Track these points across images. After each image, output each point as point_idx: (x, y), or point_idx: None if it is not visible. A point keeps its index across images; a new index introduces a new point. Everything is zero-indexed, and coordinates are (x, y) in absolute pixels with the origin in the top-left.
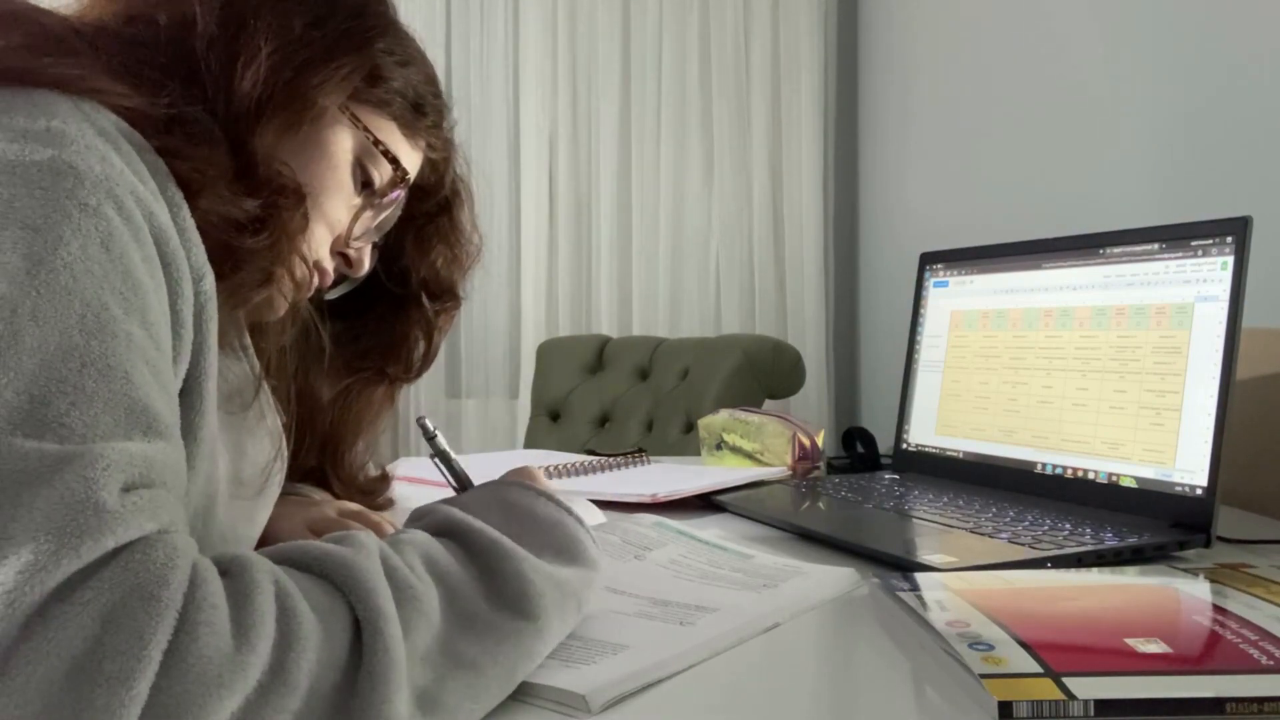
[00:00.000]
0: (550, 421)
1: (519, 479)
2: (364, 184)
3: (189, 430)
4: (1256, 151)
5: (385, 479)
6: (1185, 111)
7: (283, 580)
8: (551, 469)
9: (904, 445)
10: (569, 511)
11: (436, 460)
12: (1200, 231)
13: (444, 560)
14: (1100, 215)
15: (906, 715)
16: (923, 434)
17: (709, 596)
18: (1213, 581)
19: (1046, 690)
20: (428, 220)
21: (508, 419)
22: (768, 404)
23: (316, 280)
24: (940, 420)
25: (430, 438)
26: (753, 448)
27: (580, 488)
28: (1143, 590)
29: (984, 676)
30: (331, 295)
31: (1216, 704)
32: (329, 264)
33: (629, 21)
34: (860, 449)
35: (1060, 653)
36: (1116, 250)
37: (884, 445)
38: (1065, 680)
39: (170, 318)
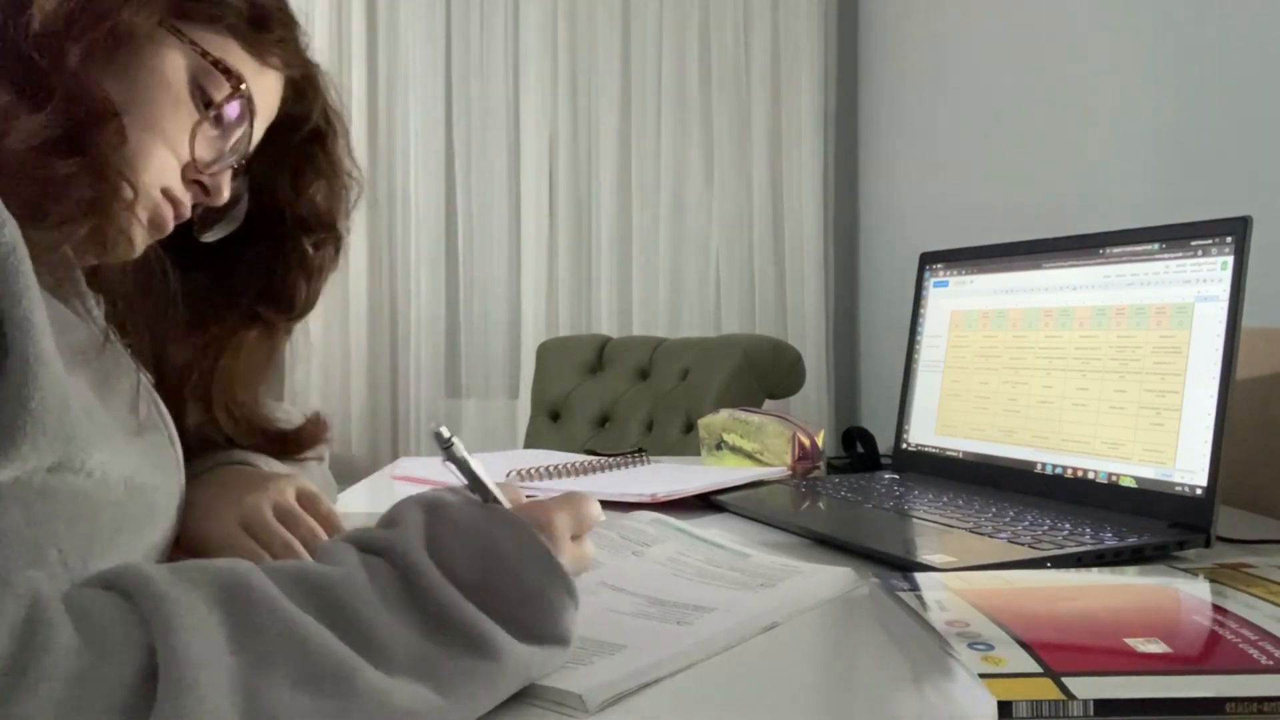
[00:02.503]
0: (550, 421)
1: (536, 520)
2: (206, 105)
3: (13, 392)
4: (1256, 151)
5: (317, 427)
6: (1185, 111)
7: (50, 612)
8: (551, 469)
9: (904, 445)
10: (561, 580)
11: (453, 467)
12: (1200, 231)
13: (360, 597)
14: (1100, 215)
15: (906, 715)
16: (923, 434)
17: (707, 596)
18: (1212, 581)
19: (1046, 690)
20: (299, 151)
21: (508, 419)
22: (768, 404)
23: (170, 211)
24: (940, 420)
25: (446, 446)
26: (753, 448)
27: (580, 488)
28: (1143, 590)
29: (983, 676)
30: (209, 237)
31: (1216, 704)
32: (182, 193)
33: (629, 22)
34: (860, 449)
35: (1060, 652)
36: (1116, 250)
37: (884, 445)
38: (1065, 680)
39: None
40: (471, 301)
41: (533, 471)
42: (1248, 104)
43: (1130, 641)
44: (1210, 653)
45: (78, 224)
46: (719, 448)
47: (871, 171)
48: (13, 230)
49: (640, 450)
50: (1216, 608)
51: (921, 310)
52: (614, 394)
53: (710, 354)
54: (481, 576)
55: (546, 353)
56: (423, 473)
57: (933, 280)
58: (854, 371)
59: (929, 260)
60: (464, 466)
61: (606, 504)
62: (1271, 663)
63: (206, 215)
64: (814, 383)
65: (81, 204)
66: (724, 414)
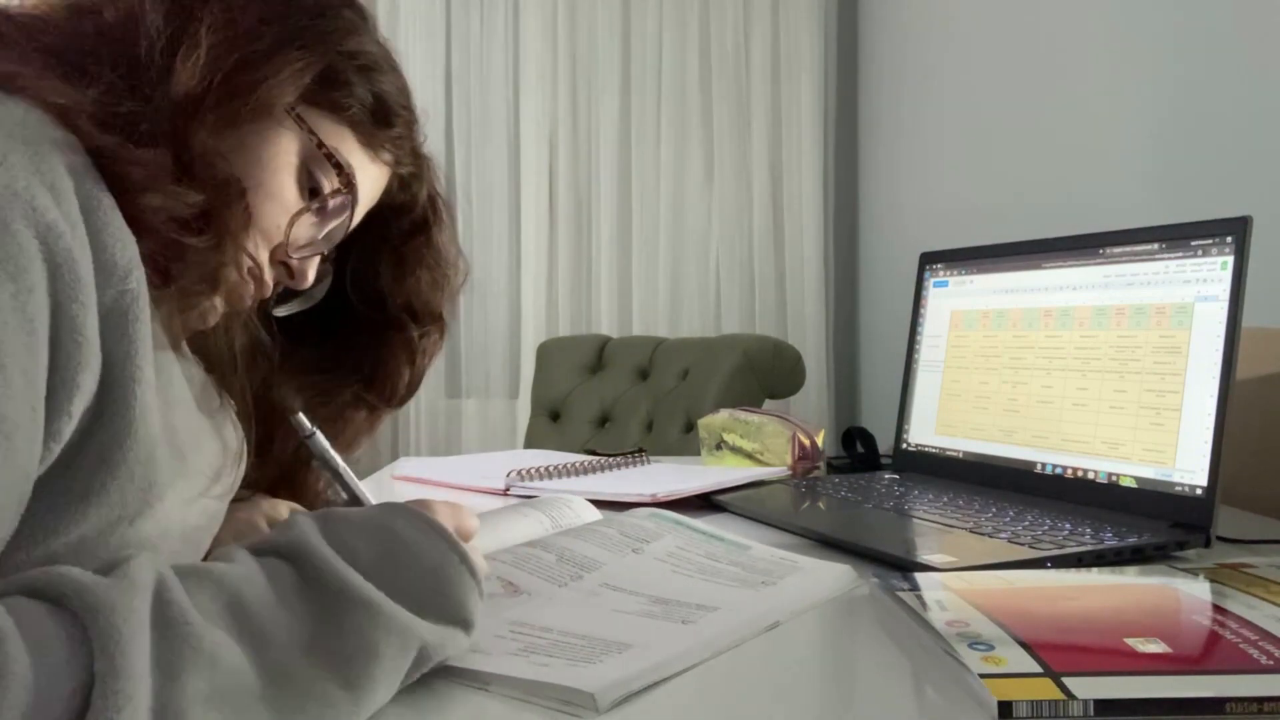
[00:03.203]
0: (550, 421)
1: (417, 508)
2: (312, 191)
3: (112, 438)
4: (1256, 151)
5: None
6: (1185, 111)
7: (7, 642)
8: (551, 469)
9: (904, 445)
10: (462, 558)
11: (317, 464)
12: (1200, 231)
13: (261, 599)
14: (1100, 215)
15: (906, 715)
16: (923, 434)
17: (709, 594)
18: (1213, 581)
19: (1046, 690)
20: (403, 241)
21: (508, 419)
22: (768, 404)
23: (252, 289)
24: (940, 420)
25: (307, 436)
26: (753, 448)
27: (580, 488)
28: (1143, 590)
29: (984, 676)
30: (281, 312)
31: (1216, 704)
32: (267, 273)
33: (629, 21)
34: (860, 449)
35: (1060, 652)
36: (1116, 250)
37: (884, 445)
38: (1065, 680)
39: (49, 322)
40: (471, 301)
41: (533, 471)
42: (1247, 104)
43: (1130, 641)
44: (1210, 653)
45: (201, 297)
46: (719, 448)
47: (871, 171)
48: (139, 279)
49: (640, 450)
50: (1216, 608)
51: (921, 310)
52: (614, 394)
53: (710, 354)
54: (381, 558)
55: (546, 353)
56: (423, 473)
57: (933, 280)
58: (854, 371)
59: (929, 260)
60: (324, 458)
61: (606, 504)
62: (1271, 663)
63: (285, 291)
64: (814, 383)
65: (207, 274)
66: (724, 414)
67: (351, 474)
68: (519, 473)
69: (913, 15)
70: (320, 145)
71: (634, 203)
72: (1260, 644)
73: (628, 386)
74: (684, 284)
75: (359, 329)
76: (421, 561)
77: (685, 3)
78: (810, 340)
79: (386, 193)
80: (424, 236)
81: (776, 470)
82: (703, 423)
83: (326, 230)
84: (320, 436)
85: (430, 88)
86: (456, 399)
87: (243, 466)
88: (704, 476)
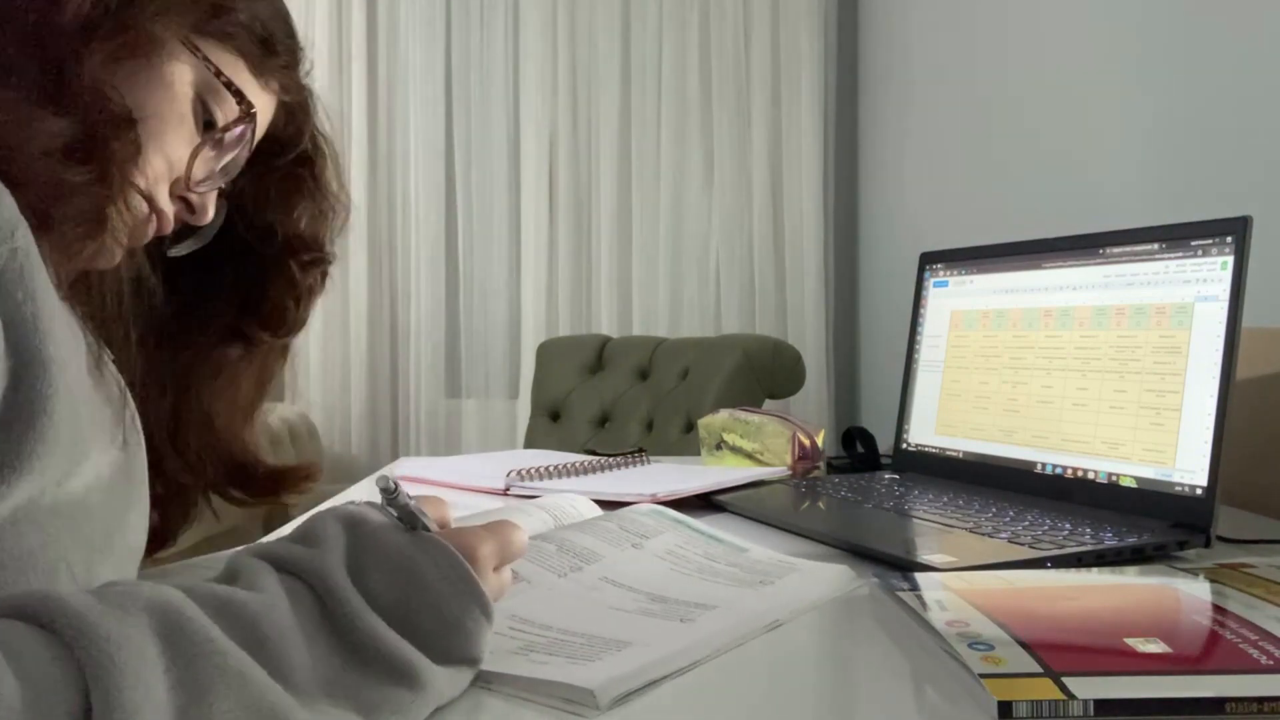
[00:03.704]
0: (550, 421)
1: (457, 541)
2: (207, 123)
3: (33, 404)
4: (1256, 151)
5: (305, 473)
6: (1185, 111)
7: None
8: (551, 469)
9: (904, 445)
10: (483, 610)
11: (389, 509)
12: (1200, 231)
13: (283, 627)
14: (1100, 215)
15: (906, 715)
16: (922, 434)
17: (708, 593)
18: (1213, 581)
19: (1046, 690)
20: (288, 174)
21: (508, 419)
22: (768, 404)
23: (155, 225)
24: (940, 420)
25: (391, 492)
26: (753, 448)
27: (580, 488)
28: (1143, 590)
29: (984, 676)
30: (177, 251)
31: (1216, 704)
32: (167, 207)
33: (629, 22)
34: (860, 449)
35: (1060, 652)
36: (1116, 250)
37: (884, 445)
38: (1065, 680)
39: None
40: (471, 301)
41: (533, 471)
42: (1247, 104)
43: (1130, 641)
44: (1210, 653)
45: (87, 240)
46: (719, 448)
47: (871, 171)
48: (25, 234)
49: (640, 450)
50: (1216, 608)
51: (921, 310)
52: (614, 394)
53: (710, 354)
54: (401, 603)
55: (546, 353)
56: (422, 473)
57: (933, 280)
58: (854, 371)
59: (929, 260)
60: (404, 511)
61: (606, 504)
62: (1271, 663)
63: (179, 230)
64: (814, 383)
65: (91, 212)
66: (724, 414)
67: (422, 512)
68: (519, 473)
69: (913, 15)
70: (219, 74)
71: (634, 203)
72: (1260, 644)
73: (628, 386)
74: (684, 284)
75: (240, 265)
76: (441, 612)
77: (685, 3)
78: (810, 340)
79: (273, 125)
80: (308, 170)
81: (776, 470)
82: (703, 423)
83: (224, 162)
84: (403, 490)
85: (430, 88)
86: (456, 399)
87: (135, 421)
88: (704, 476)
